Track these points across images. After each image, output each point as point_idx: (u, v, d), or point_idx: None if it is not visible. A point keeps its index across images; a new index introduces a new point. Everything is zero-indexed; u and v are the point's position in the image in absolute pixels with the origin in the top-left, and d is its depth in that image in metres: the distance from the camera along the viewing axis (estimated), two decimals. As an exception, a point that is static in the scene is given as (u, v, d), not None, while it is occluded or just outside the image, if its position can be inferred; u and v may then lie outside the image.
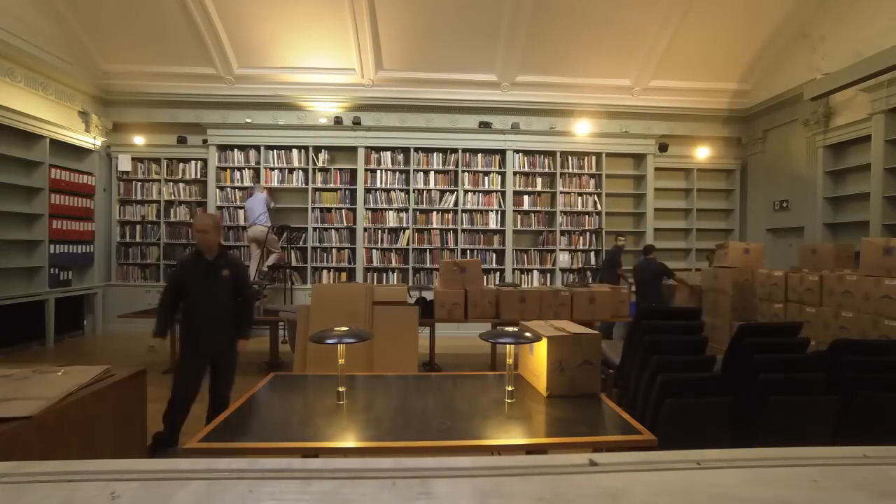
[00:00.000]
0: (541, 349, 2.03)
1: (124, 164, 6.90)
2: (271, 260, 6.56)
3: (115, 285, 6.94)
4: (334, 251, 7.03)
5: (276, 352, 5.03)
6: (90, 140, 6.60)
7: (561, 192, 7.13)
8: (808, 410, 2.03)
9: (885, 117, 4.99)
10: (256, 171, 7.01)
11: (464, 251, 7.02)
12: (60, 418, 1.48)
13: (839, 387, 2.08)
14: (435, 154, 7.11)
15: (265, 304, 5.69)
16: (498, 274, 7.11)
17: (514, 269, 7.07)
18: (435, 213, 7.08)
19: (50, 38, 5.85)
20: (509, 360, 1.93)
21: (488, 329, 2.88)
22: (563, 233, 7.16)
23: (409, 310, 3.76)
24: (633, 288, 5.95)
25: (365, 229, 6.99)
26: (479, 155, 7.15)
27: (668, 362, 2.14)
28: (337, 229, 7.05)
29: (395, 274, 7.05)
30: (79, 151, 6.51)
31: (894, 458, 0.66)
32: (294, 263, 6.90)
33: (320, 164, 7.01)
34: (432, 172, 7.07)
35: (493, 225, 7.13)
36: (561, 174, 7.16)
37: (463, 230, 7.06)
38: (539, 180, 7.22)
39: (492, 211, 7.11)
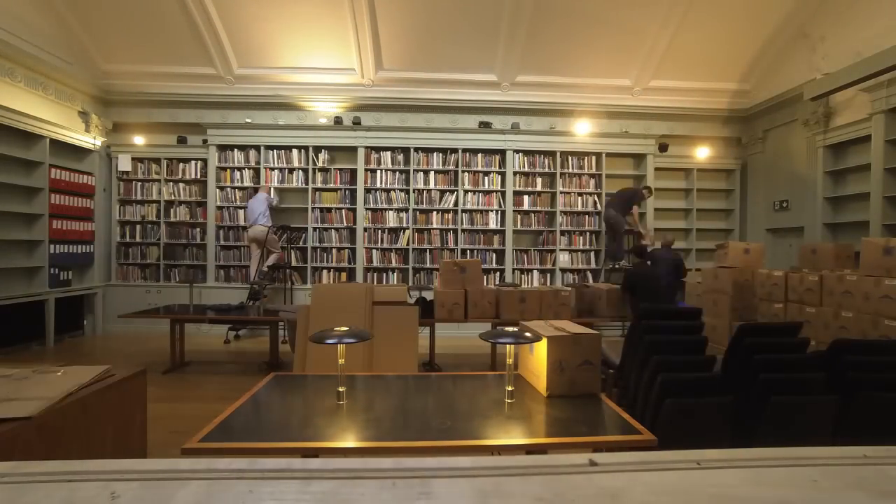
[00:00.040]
0: (541, 349, 2.03)
1: (124, 164, 6.90)
2: (271, 260, 6.57)
3: (115, 285, 6.94)
4: (334, 251, 7.03)
5: (276, 352, 5.03)
6: (90, 140, 6.60)
7: (561, 192, 7.13)
8: (808, 410, 2.03)
9: (885, 117, 4.99)
10: (256, 171, 7.01)
11: (464, 251, 7.02)
12: (60, 418, 1.48)
13: (839, 387, 2.08)
14: (435, 154, 7.11)
15: (265, 304, 5.69)
16: (498, 274, 7.11)
17: (514, 269, 7.07)
18: (435, 213, 7.08)
19: (50, 38, 5.85)
20: (509, 360, 1.93)
21: (488, 329, 2.88)
22: (563, 233, 7.16)
23: (409, 310, 3.76)
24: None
25: (365, 229, 6.99)
26: (479, 155, 7.15)
27: (668, 362, 2.14)
28: (337, 229, 7.05)
29: (395, 274, 7.05)
30: (79, 151, 6.51)
31: (894, 458, 0.66)
32: (294, 263, 6.90)
33: (320, 164, 7.01)
34: (432, 172, 7.08)
35: (493, 225, 7.13)
36: (561, 174, 7.16)
37: (463, 230, 7.06)
38: (539, 180, 7.22)
39: (492, 211, 7.12)
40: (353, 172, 7.04)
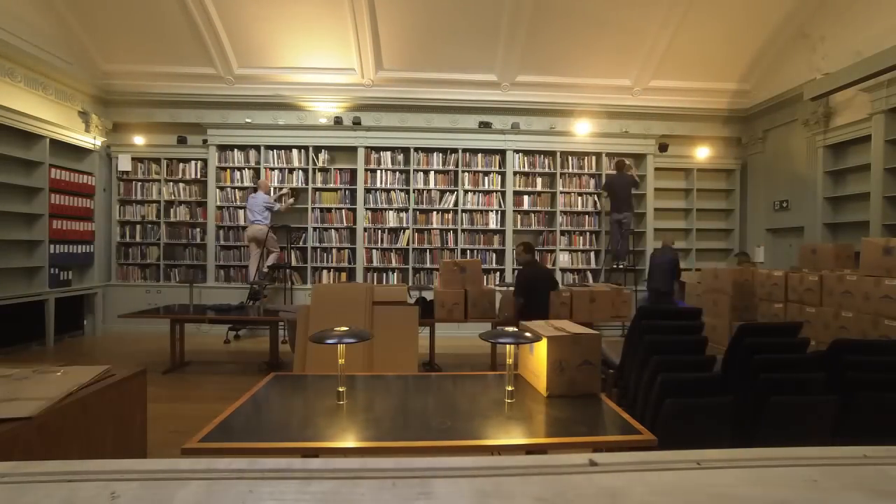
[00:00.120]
0: (541, 349, 2.03)
1: (124, 164, 6.90)
2: (271, 260, 6.57)
3: (115, 285, 6.94)
4: (334, 251, 7.03)
5: (276, 352, 5.03)
6: (90, 140, 6.60)
7: (561, 192, 7.14)
8: (808, 410, 2.03)
9: (885, 117, 4.99)
10: (257, 171, 7.01)
11: (464, 251, 7.02)
12: (60, 418, 1.48)
13: (839, 387, 2.08)
14: (435, 154, 7.12)
15: (265, 304, 5.69)
16: (498, 274, 7.11)
17: (514, 269, 7.07)
18: (435, 213, 7.08)
19: (50, 38, 5.85)
20: (509, 360, 1.93)
21: (488, 329, 2.88)
22: (563, 233, 7.16)
23: (409, 310, 3.76)
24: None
25: (365, 229, 6.99)
26: (479, 155, 7.15)
27: (668, 362, 2.14)
28: (337, 229, 7.05)
29: (395, 274, 7.05)
30: (79, 151, 6.51)
31: (894, 458, 0.66)
32: (294, 263, 6.90)
33: (320, 164, 7.02)
34: (432, 172, 7.08)
35: (493, 225, 7.13)
36: (561, 174, 7.16)
37: (463, 230, 7.06)
38: (539, 180, 7.22)
39: (492, 211, 7.12)
40: (353, 172, 7.04)
